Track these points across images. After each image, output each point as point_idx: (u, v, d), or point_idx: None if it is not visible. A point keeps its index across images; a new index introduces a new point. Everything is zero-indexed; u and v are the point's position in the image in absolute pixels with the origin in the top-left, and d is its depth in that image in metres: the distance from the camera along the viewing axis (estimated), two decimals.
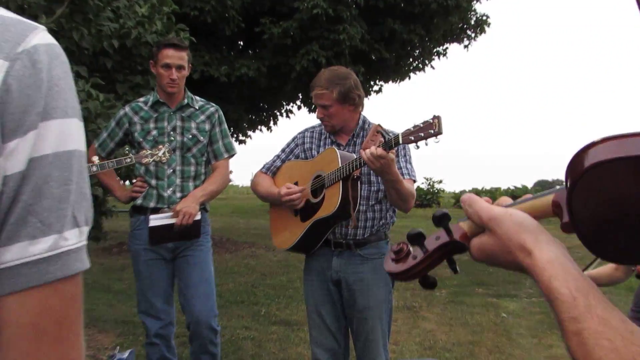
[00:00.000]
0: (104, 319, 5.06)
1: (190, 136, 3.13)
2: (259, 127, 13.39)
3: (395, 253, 0.82)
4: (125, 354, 3.70)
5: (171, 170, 3.10)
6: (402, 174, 2.59)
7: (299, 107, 12.81)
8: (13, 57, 0.55)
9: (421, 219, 17.26)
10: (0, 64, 0.54)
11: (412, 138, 2.28)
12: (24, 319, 0.54)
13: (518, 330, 5.21)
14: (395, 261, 0.82)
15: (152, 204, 3.08)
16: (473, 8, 12.16)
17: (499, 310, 5.90)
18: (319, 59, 9.67)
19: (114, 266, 7.95)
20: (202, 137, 3.15)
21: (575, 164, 0.62)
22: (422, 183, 22.23)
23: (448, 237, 0.79)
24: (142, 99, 3.26)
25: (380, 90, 12.72)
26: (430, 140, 2.25)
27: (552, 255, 0.65)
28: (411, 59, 12.38)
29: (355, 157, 2.53)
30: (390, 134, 2.40)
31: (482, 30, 12.62)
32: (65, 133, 0.56)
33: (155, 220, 3.02)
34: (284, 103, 12.83)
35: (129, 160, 2.95)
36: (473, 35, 12.69)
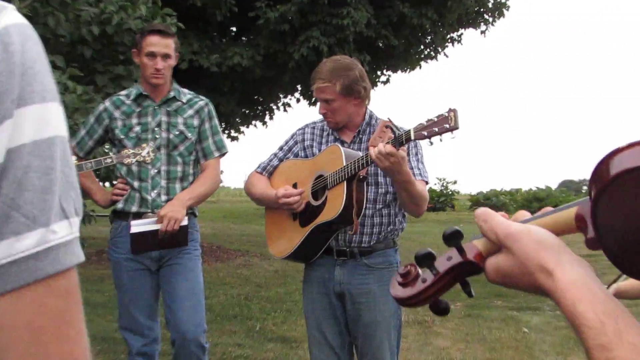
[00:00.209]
0: None
1: (177, 133, 3.13)
2: (254, 122, 13.40)
3: (403, 276, 0.82)
4: None
5: (155, 171, 3.09)
6: (414, 175, 2.58)
7: (298, 100, 12.82)
8: None
9: (433, 223, 17.27)
10: None
11: (425, 133, 2.28)
12: (19, 320, 0.54)
13: (541, 346, 5.20)
14: (403, 285, 0.82)
15: (134, 208, 3.08)
16: None
17: (520, 325, 5.89)
18: (320, 46, 9.68)
19: (93, 276, 7.95)
20: (190, 134, 3.14)
21: (600, 173, 0.61)
22: (435, 184, 22.28)
23: (461, 257, 0.79)
24: (124, 92, 3.26)
25: (388, 80, 12.74)
26: (445, 135, 2.24)
27: (575, 275, 0.65)
28: (422, 46, 12.39)
29: (361, 155, 2.53)
30: (401, 129, 2.40)
31: (501, 14, 12.63)
32: (44, 119, 0.57)
33: (137, 226, 3.01)
34: (281, 95, 12.84)
35: (109, 160, 2.94)
36: (491, 19, 12.69)
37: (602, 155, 0.61)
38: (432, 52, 12.54)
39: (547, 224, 0.73)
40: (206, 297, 3.25)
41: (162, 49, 3.07)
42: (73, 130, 3.76)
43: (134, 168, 3.08)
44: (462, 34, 12.68)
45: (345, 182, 2.54)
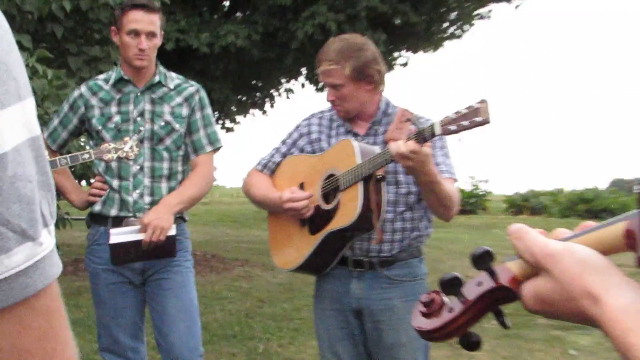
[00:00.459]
0: None
1: (163, 123, 3.13)
2: (251, 111, 13.42)
3: (426, 305, 0.83)
4: None
5: (138, 168, 3.09)
6: (440, 172, 2.58)
7: (303, 85, 12.83)
8: None
9: (464, 228, 17.24)
10: None
11: (453, 128, 2.28)
12: (4, 342, 0.58)
13: None
14: (426, 315, 0.83)
15: (113, 212, 3.08)
16: None
17: (566, 346, 5.87)
18: (328, 24, 9.65)
19: (69, 289, 7.95)
20: (177, 125, 3.14)
21: None
22: (465, 183, 22.26)
23: (493, 282, 0.79)
24: (101, 76, 3.26)
25: (406, 63, 12.71)
26: (475, 130, 2.24)
27: (627, 301, 0.66)
28: (446, 24, 12.33)
29: (378, 151, 2.53)
30: (422, 120, 2.38)
31: None
32: (22, 120, 0.59)
33: (118, 236, 3.01)
34: (283, 80, 12.85)
35: (87, 155, 2.94)
36: None
37: None
38: (457, 30, 12.49)
39: (591, 242, 0.73)
40: (201, 315, 3.25)
41: (146, 26, 3.06)
42: (44, 120, 3.75)
43: (113, 164, 3.08)
44: (491, 10, 12.60)
45: (361, 182, 2.55)
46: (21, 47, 4.55)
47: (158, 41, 3.13)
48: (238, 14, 11.11)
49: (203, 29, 9.94)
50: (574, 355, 5.63)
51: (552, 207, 22.73)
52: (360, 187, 2.54)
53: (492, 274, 0.79)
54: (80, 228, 4.81)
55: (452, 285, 0.81)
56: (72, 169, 4.29)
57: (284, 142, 2.94)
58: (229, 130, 13.56)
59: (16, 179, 0.57)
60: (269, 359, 5.37)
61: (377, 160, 2.48)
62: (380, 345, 2.70)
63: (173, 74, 3.27)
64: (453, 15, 12.17)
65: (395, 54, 12.42)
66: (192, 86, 3.24)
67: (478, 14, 12.51)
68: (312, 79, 12.24)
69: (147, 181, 3.10)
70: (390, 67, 12.07)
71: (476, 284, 0.81)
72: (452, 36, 12.61)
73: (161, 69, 3.22)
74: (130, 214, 3.07)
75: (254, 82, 12.56)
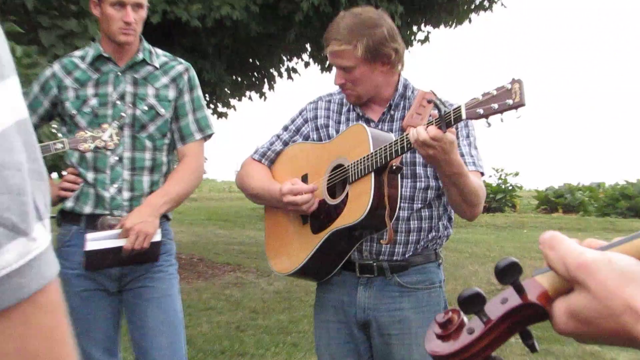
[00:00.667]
0: None
1: (146, 107, 3.13)
2: (248, 93, 13.40)
3: (442, 326, 0.82)
4: None
5: (116, 159, 3.10)
6: (465, 164, 2.57)
7: (307, 64, 12.81)
8: None
9: (488, 229, 17.22)
10: None
11: (481, 111, 2.25)
12: (8, 346, 0.59)
13: None
14: (443, 338, 0.82)
15: (87, 209, 3.09)
16: None
17: None
18: None
19: None
20: (163, 110, 3.15)
21: None
22: (490, 177, 22.19)
23: (520, 299, 0.79)
24: (77, 53, 3.26)
25: (426, 39, 12.67)
26: (507, 114, 2.22)
27: None
28: None
29: (395, 138, 2.53)
30: (447, 105, 2.38)
31: None
32: (6, 102, 0.59)
33: (95, 242, 3.01)
34: (285, 58, 12.83)
35: (60, 145, 2.95)
36: None
37: None
38: (485, 1, 12.45)
39: (630, 252, 0.73)
40: (186, 327, 3.26)
41: None
42: None
43: (89, 155, 3.08)
44: None
45: (373, 174, 2.54)
46: None
47: (144, 13, 3.13)
48: None
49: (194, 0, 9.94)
50: None
51: (589, 204, 22.64)
52: (372, 179, 2.54)
53: (519, 290, 0.78)
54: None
55: (472, 303, 0.80)
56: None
57: (286, 129, 2.95)
58: (221, 115, 13.52)
59: (3, 167, 0.58)
60: None
61: (393, 148, 2.48)
62: None
63: (159, 51, 3.27)
64: None
65: (414, 29, 12.38)
66: (181, 64, 3.25)
67: None
68: (318, 57, 12.21)
69: (126, 174, 3.10)
70: (408, 43, 12.04)
71: (500, 301, 0.80)
72: (479, 7, 12.55)
73: (145, 44, 3.22)
74: (107, 212, 3.08)
75: (251, 60, 12.54)
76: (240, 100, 13.53)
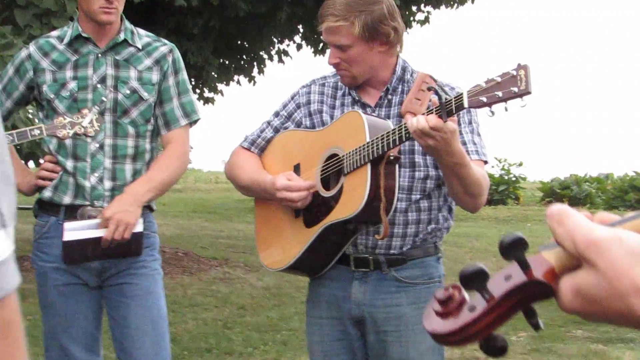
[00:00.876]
0: None
1: (128, 91, 3.13)
2: (236, 77, 13.37)
3: (442, 303, 0.82)
4: None
5: (97, 146, 3.09)
6: (467, 152, 2.58)
7: (299, 47, 12.79)
8: None
9: (490, 222, 17.25)
10: None
11: (484, 99, 2.25)
12: None
13: None
14: (442, 315, 0.82)
15: (66, 199, 3.09)
16: None
17: None
18: None
19: None
20: (146, 93, 3.15)
21: None
22: (493, 167, 22.20)
23: (525, 276, 0.79)
24: (54, 34, 3.25)
25: (426, 20, 12.66)
26: (513, 102, 2.23)
27: None
28: None
29: (393, 127, 2.53)
30: (448, 90, 2.38)
31: None
32: None
33: (73, 232, 3.01)
34: (276, 40, 12.80)
35: (37, 132, 2.94)
36: None
37: None
38: None
39: None
40: (170, 325, 3.27)
41: None
42: None
43: (68, 142, 3.07)
44: None
45: (369, 164, 2.54)
46: None
47: None
48: None
49: None
50: None
51: (596, 197, 22.70)
52: (368, 170, 2.54)
53: (525, 266, 0.78)
54: (25, 219, 4.78)
55: (475, 279, 0.79)
56: (18, 147, 4.30)
57: (277, 115, 2.94)
58: (208, 101, 13.49)
59: None
60: None
61: (391, 137, 2.48)
62: None
63: (141, 31, 3.26)
64: None
65: (414, 9, 12.37)
66: (165, 45, 3.24)
67: None
68: (311, 38, 12.20)
69: (107, 162, 3.10)
70: (407, 24, 12.02)
71: (504, 278, 0.80)
72: None
73: (127, 24, 3.21)
74: (87, 202, 3.07)
75: (239, 42, 12.51)
76: (228, 84, 13.50)
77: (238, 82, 13.49)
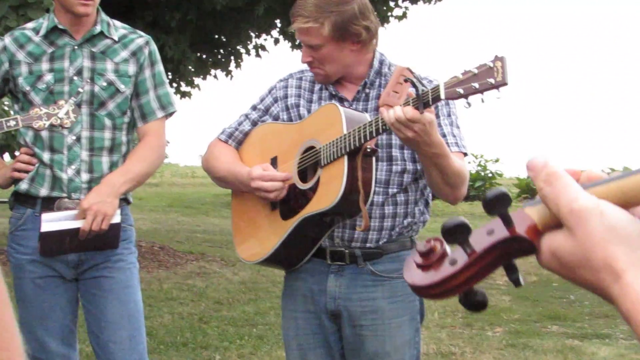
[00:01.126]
0: None
1: (105, 84, 3.12)
2: (213, 71, 13.32)
3: (424, 255, 0.82)
4: None
5: (74, 138, 3.08)
6: (448, 145, 2.59)
7: (277, 41, 12.76)
8: None
9: (467, 218, 17.26)
10: None
11: (461, 91, 2.26)
12: None
13: None
14: (423, 268, 0.82)
15: (43, 191, 3.08)
16: None
17: (583, 358, 5.94)
18: None
19: None
20: (123, 86, 3.14)
21: None
22: (470, 163, 22.28)
23: (507, 232, 0.79)
24: (29, 25, 3.24)
25: (404, 15, 12.67)
26: (489, 94, 2.24)
27: None
28: None
29: (370, 119, 2.53)
30: (425, 83, 2.38)
31: None
32: None
33: (50, 223, 3.00)
34: (253, 34, 12.76)
35: (12, 123, 2.92)
36: None
37: None
38: None
39: (629, 188, 0.74)
40: (146, 319, 3.26)
41: None
42: None
43: (44, 134, 3.06)
44: None
45: (346, 157, 2.54)
46: None
47: None
48: None
49: None
50: None
51: None
52: (345, 162, 2.54)
53: (507, 221, 0.78)
54: (1, 213, 4.76)
55: (457, 233, 0.79)
56: None
57: (254, 108, 2.94)
58: (184, 95, 13.42)
59: None
60: None
61: (368, 129, 2.47)
62: (361, 354, 2.72)
63: (117, 23, 3.25)
64: None
65: (391, 4, 12.36)
66: (141, 37, 3.23)
67: None
68: (288, 33, 12.15)
69: (84, 154, 3.09)
70: (383, 20, 12.03)
71: (487, 233, 0.80)
72: None
73: (103, 16, 3.19)
74: (65, 195, 3.06)
75: (216, 36, 12.47)
76: (205, 78, 13.45)
77: (215, 76, 13.43)
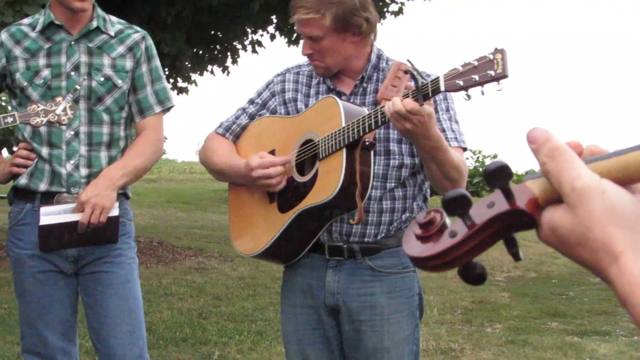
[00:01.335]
0: None
1: (102, 79, 3.12)
2: (210, 67, 13.32)
3: (423, 226, 0.82)
4: None
5: (72, 133, 3.09)
6: (447, 140, 2.59)
7: (273, 37, 12.75)
8: None
9: None
10: None
11: (461, 83, 2.26)
12: None
13: None
14: (423, 239, 0.82)
15: (42, 186, 3.08)
16: None
17: (582, 355, 5.95)
18: None
19: None
20: (120, 81, 3.14)
21: None
22: (468, 159, 22.24)
23: (508, 205, 0.78)
24: (26, 21, 3.23)
25: (400, 11, 12.67)
26: (489, 86, 2.23)
27: None
28: None
29: (368, 112, 2.52)
30: (425, 76, 2.38)
31: None
32: None
33: (49, 217, 3.01)
34: (249, 30, 12.76)
35: (10, 119, 2.92)
36: None
37: None
38: None
39: (632, 164, 0.74)
40: (145, 314, 3.28)
41: None
42: None
43: (42, 129, 3.06)
44: None
45: (344, 149, 2.54)
46: None
47: None
48: None
49: None
50: None
51: None
52: (343, 155, 2.54)
53: (508, 195, 0.78)
54: (0, 207, 4.76)
55: (457, 205, 0.79)
56: None
57: (252, 102, 2.93)
58: (181, 91, 13.43)
59: None
60: None
61: (367, 122, 2.47)
62: (360, 350, 2.72)
63: (113, 18, 3.25)
64: None
65: (387, 0, 12.37)
66: (137, 33, 3.23)
67: None
68: (284, 29, 12.16)
69: (83, 149, 3.10)
70: (380, 16, 12.02)
71: (487, 205, 0.79)
72: None
73: (99, 11, 3.20)
74: (64, 189, 3.07)
75: (213, 32, 12.46)
76: (201, 74, 13.45)
77: (212, 72, 13.44)
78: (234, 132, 2.94)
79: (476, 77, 2.23)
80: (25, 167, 3.10)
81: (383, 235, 2.72)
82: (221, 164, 2.89)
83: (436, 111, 2.58)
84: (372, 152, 2.60)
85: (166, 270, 9.14)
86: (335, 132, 2.56)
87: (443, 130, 2.62)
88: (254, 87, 3.00)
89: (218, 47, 13.04)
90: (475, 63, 2.24)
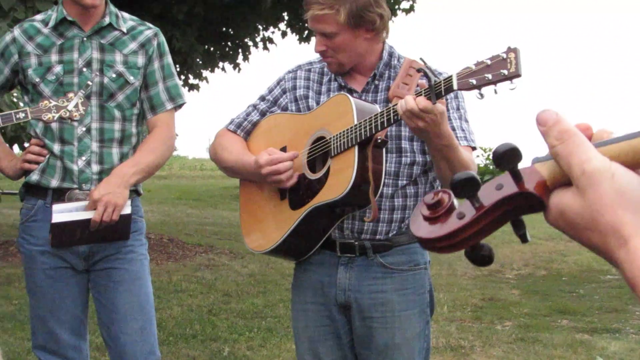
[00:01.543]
0: None
1: (114, 75, 3.12)
2: (221, 64, 13.33)
3: (431, 207, 0.82)
4: None
5: (84, 130, 3.09)
6: (457, 138, 2.59)
7: (284, 34, 12.76)
8: None
9: None
10: None
11: (474, 82, 2.25)
12: None
13: None
14: (431, 220, 0.82)
15: (54, 182, 3.08)
16: None
17: (592, 353, 5.93)
18: None
19: None
20: (132, 77, 3.14)
21: None
22: (478, 156, 22.27)
23: (516, 187, 0.78)
24: (38, 17, 3.24)
25: (411, 8, 12.65)
26: (502, 85, 2.22)
27: None
28: None
29: (380, 110, 2.52)
30: (437, 74, 2.37)
31: None
32: None
33: (61, 214, 3.00)
34: (261, 27, 12.76)
35: (22, 115, 2.93)
36: None
37: None
38: None
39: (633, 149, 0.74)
40: (155, 310, 3.27)
41: None
42: None
43: (54, 125, 3.07)
44: None
45: (356, 147, 2.54)
46: None
47: None
48: None
49: None
50: None
51: None
52: (355, 152, 2.53)
53: (517, 177, 0.78)
54: (10, 204, 4.79)
55: (465, 186, 0.78)
56: (2, 131, 4.27)
57: (263, 99, 2.93)
58: (192, 87, 13.45)
59: None
60: None
61: (379, 120, 2.47)
62: (371, 346, 2.72)
63: (126, 15, 3.26)
64: None
65: None
66: (149, 29, 3.23)
67: None
68: (296, 26, 12.16)
69: (95, 146, 3.10)
70: (392, 13, 12.01)
71: (495, 187, 0.79)
72: None
73: (112, 8, 3.19)
74: (75, 186, 3.07)
75: (224, 29, 12.46)
76: (212, 71, 13.46)
77: (223, 68, 13.45)
78: (245, 128, 2.93)
79: (489, 76, 2.22)
80: (37, 163, 3.11)
81: (394, 232, 2.72)
82: (231, 161, 2.88)
83: (447, 109, 2.57)
84: (384, 150, 2.60)
85: (176, 267, 9.16)
86: (347, 129, 2.56)
87: (453, 129, 2.61)
88: (265, 84, 2.99)
89: (229, 43, 13.05)
90: (489, 62, 2.23)
